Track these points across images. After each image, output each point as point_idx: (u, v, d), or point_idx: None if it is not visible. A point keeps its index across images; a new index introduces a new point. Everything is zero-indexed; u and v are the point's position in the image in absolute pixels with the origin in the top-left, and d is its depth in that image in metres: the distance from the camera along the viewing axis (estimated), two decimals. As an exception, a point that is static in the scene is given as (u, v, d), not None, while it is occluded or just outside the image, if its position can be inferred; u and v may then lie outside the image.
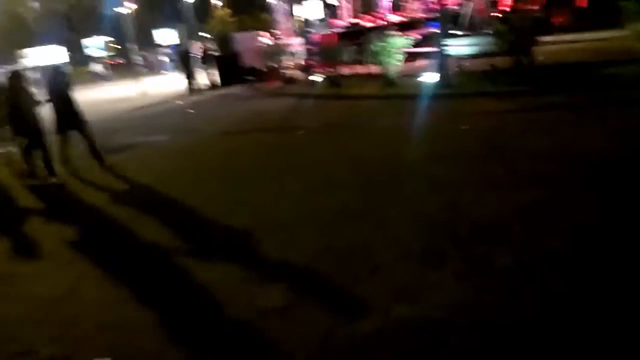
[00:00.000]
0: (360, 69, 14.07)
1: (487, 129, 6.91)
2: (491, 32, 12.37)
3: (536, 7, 18.58)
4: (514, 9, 16.10)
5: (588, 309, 2.68)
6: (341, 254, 3.74)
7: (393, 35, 11.87)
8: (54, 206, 6.38)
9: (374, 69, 12.75)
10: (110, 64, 42.61)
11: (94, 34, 50.97)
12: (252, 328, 2.93)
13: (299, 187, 5.54)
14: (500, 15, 15.66)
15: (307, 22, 22.54)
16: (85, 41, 52.32)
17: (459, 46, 11.70)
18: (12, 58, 41.97)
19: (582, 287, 2.89)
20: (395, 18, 19.64)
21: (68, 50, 50.03)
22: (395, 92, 10.94)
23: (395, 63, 11.72)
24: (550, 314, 2.67)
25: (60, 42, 48.45)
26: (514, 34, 10.35)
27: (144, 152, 9.02)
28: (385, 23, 18.45)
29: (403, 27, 14.80)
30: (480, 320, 2.69)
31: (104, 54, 50.26)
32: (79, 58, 50.53)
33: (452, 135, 6.84)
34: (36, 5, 55.74)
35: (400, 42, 11.73)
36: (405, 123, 8.05)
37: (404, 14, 20.20)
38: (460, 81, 10.49)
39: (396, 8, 21.66)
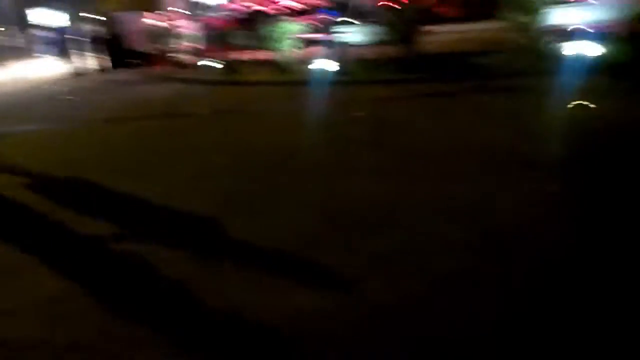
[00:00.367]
0: (255, 55, 13.73)
1: (376, 116, 6.95)
2: (383, 21, 12.64)
3: (427, -1, 19.30)
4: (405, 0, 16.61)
5: (473, 288, 2.66)
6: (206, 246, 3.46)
7: (287, 21, 11.70)
8: None
9: (270, 55, 12.50)
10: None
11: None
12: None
13: (177, 177, 5.15)
14: (391, 5, 16.09)
15: (200, 5, 21.61)
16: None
17: (353, 34, 11.81)
18: None
19: (469, 268, 2.87)
20: (289, 4, 19.50)
21: None
22: (291, 78, 10.79)
23: (291, 49, 11.57)
24: (437, 295, 2.62)
25: None
26: (404, 24, 10.62)
27: (12, 143, 8.02)
28: (280, 8, 18.23)
29: (298, 13, 14.65)
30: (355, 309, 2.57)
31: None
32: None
33: (344, 122, 6.79)
34: None
35: (294, 28, 11.60)
36: (299, 109, 7.89)
37: (301, 1, 20.12)
38: (354, 69, 10.56)
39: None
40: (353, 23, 13.10)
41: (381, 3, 16.79)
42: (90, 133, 8.18)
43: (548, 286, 2.64)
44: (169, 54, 16.23)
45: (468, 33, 13.45)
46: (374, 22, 14.40)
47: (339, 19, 11.89)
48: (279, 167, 5.19)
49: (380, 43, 11.21)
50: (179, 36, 17.44)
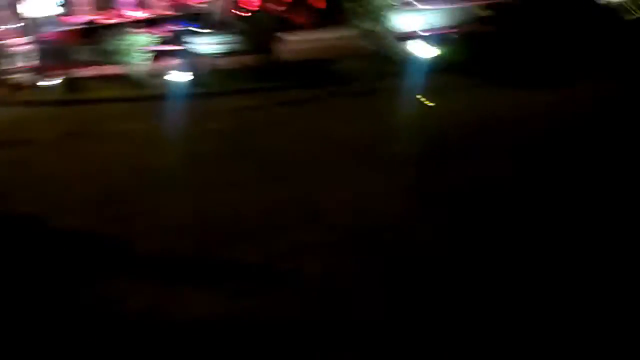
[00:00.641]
0: (102, 70, 12.76)
1: (234, 127, 6.86)
2: (237, 30, 12.52)
3: (281, 8, 19.61)
4: (258, 8, 16.66)
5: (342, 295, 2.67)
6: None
7: (134, 33, 11.05)
8: None
9: (118, 69, 11.70)
10: None
11: None
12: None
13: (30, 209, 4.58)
14: (244, 14, 16.04)
15: (36, 20, 19.63)
16: None
17: (207, 44, 11.49)
18: None
19: (338, 273, 2.89)
20: (137, 15, 18.54)
21: None
22: (142, 93, 10.19)
23: (140, 62, 10.94)
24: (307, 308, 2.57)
25: None
26: (258, 32, 10.62)
27: None
28: (126, 20, 17.23)
29: (146, 24, 13.90)
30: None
31: None
32: None
33: (202, 136, 6.59)
34: None
35: (143, 40, 10.98)
36: (154, 126, 7.52)
37: (147, 11, 19.22)
38: (210, 80, 10.30)
39: (140, 5, 20.49)
40: (206, 33, 12.80)
41: (233, 12, 16.72)
42: None
43: (407, 282, 2.74)
44: (3, 75, 14.43)
45: (321, 41, 13.90)
46: (227, 31, 14.26)
47: (191, 29, 11.53)
48: (139, 189, 4.85)
49: (235, 52, 11.07)
50: (12, 55, 15.60)
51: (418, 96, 6.66)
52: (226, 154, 5.63)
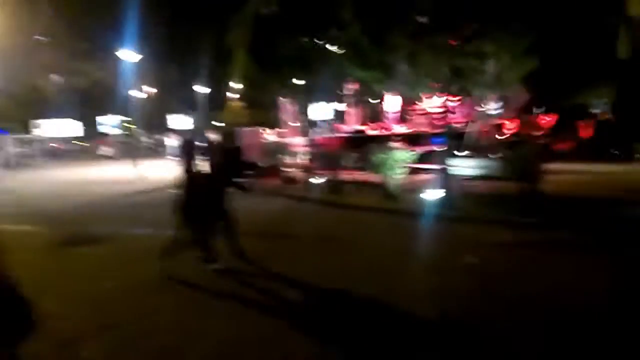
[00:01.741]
0: (361, 177, 13.79)
1: (493, 265, 6.29)
2: (497, 155, 12.22)
3: (540, 133, 18.78)
4: (518, 134, 16.19)
5: None
6: None
7: (396, 148, 11.68)
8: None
9: (375, 178, 12.46)
10: (118, 143, 43.13)
11: (110, 113, 52.59)
12: None
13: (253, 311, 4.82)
14: (506, 140, 15.69)
15: (313, 123, 22.85)
16: (99, 118, 53.96)
17: (465, 166, 11.43)
18: (26, 127, 42.74)
19: None
20: (400, 129, 19.84)
21: (83, 125, 51.34)
22: (396, 206, 10.48)
23: (397, 176, 11.41)
24: None
25: (75, 116, 49.72)
26: (521, 160, 10.10)
27: (119, 246, 8.38)
28: (390, 133, 18.57)
29: (407, 139, 14.72)
30: None
31: (117, 131, 51.39)
32: (92, 133, 51.76)
33: (454, 269, 6.21)
34: (57, 79, 57.91)
35: (403, 156, 11.50)
36: (404, 245, 7.47)
37: (409, 126, 20.45)
38: (464, 203, 10.07)
39: (402, 120, 22.03)
40: (467, 155, 12.80)
41: (493, 135, 16.55)
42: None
43: None
44: (281, 169, 16.90)
45: (588, 174, 12.49)
46: (487, 155, 14.03)
47: (450, 149, 11.64)
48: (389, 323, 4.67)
49: (494, 178, 10.66)
50: (291, 153, 18.26)
51: None
52: (489, 299, 5.12)
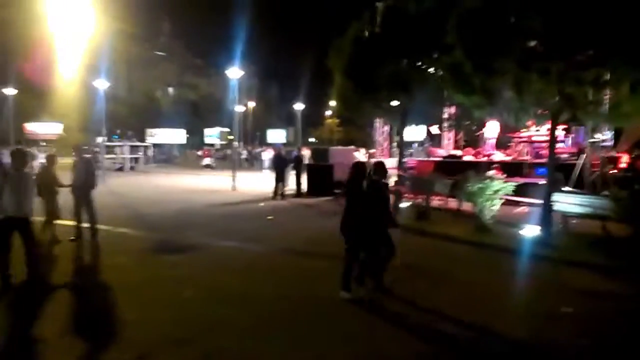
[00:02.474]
0: (451, 204, 13.15)
1: (594, 319, 5.62)
2: (608, 192, 11.06)
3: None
4: (633, 170, 14.54)
5: None
6: None
7: (493, 178, 10.95)
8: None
9: (466, 206, 11.81)
10: (217, 154, 45.36)
11: (216, 125, 55.87)
12: None
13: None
14: (620, 176, 14.20)
15: (407, 146, 22.34)
16: (207, 130, 57.56)
17: (569, 202, 10.40)
18: (142, 135, 46.51)
19: None
20: (498, 156, 18.78)
21: (190, 135, 54.97)
22: (489, 240, 9.76)
23: (491, 206, 10.68)
24: None
25: (184, 127, 53.35)
26: (635, 200, 9.04)
27: (205, 256, 8.66)
28: (488, 160, 17.62)
29: (506, 167, 13.80)
30: None
31: (217, 142, 54.33)
32: (198, 143, 55.25)
33: (551, 318, 5.62)
34: (171, 91, 62.67)
35: (498, 185, 10.74)
36: (497, 286, 6.95)
37: (509, 154, 19.30)
38: (564, 243, 9.19)
39: (501, 146, 20.85)
40: (571, 190, 11.73)
41: (605, 170, 15.03)
42: (268, 262, 8.40)
43: None
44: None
45: None
46: (596, 191, 12.78)
47: (558, 183, 10.69)
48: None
49: (602, 217, 9.57)
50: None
51: None
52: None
